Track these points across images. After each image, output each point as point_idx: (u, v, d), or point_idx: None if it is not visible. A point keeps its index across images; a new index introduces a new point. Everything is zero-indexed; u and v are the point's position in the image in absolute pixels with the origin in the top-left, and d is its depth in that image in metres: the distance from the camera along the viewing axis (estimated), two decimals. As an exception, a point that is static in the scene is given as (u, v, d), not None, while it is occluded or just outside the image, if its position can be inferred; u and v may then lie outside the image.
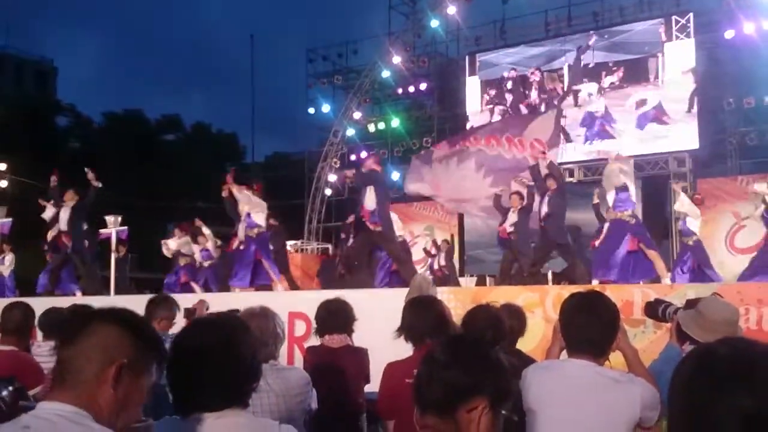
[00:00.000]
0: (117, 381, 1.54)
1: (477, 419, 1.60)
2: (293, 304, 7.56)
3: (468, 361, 1.66)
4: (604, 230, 9.72)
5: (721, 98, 18.04)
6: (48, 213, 12.33)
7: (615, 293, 5.80)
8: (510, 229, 10.43)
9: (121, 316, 1.64)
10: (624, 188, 9.32)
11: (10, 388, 2.81)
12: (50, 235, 12.34)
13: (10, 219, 15.63)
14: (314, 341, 4.27)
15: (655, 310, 3.52)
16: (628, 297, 6.69)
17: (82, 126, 43.29)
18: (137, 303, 4.29)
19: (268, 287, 10.59)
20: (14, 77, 51.02)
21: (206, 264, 12.93)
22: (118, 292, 12.46)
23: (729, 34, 17.43)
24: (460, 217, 19.91)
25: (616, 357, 2.82)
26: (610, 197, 9.39)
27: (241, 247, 10.80)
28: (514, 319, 4.11)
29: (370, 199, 9.33)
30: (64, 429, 1.48)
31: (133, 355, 1.58)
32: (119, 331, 1.59)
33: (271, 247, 11.31)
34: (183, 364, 1.89)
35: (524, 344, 4.25)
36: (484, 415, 1.60)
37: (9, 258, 14.24)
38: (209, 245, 12.87)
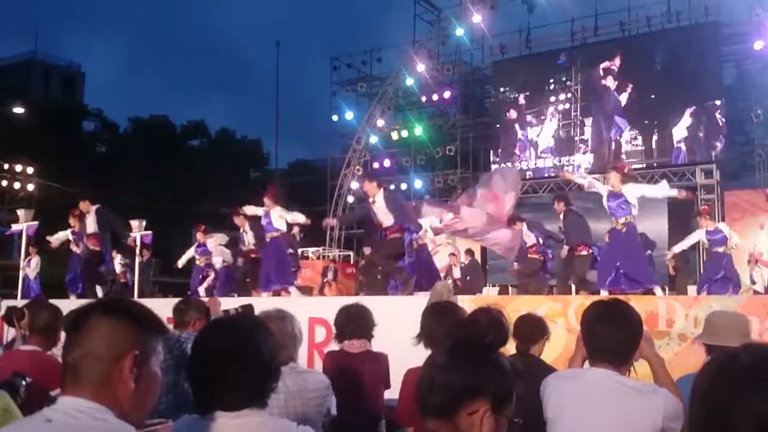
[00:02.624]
0: (133, 373, 1.53)
1: (479, 422, 1.58)
2: (314, 310, 7.55)
3: (468, 363, 1.64)
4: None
5: (750, 110, 17.84)
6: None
7: (639, 304, 5.72)
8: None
9: (115, 306, 1.61)
10: (616, 195, 8.90)
11: (24, 382, 2.86)
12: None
13: (36, 222, 15.79)
14: (334, 347, 4.27)
15: None
16: (653, 308, 6.60)
17: (108, 131, 43.87)
18: (161, 307, 4.31)
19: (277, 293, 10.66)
20: (42, 82, 51.80)
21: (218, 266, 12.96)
22: (141, 296, 12.54)
23: (758, 45, 17.24)
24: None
25: (643, 368, 2.77)
26: (606, 204, 8.97)
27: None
28: (525, 328, 4.04)
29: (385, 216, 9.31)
30: (85, 424, 1.48)
31: (141, 343, 1.56)
32: (119, 322, 1.56)
33: (290, 251, 11.37)
34: (203, 363, 1.89)
35: (546, 354, 4.21)
36: (486, 418, 1.59)
37: (35, 261, 14.41)
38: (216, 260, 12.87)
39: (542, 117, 20.58)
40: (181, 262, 13.59)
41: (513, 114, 21.08)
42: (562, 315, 6.84)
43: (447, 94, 22.11)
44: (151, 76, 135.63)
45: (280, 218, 10.49)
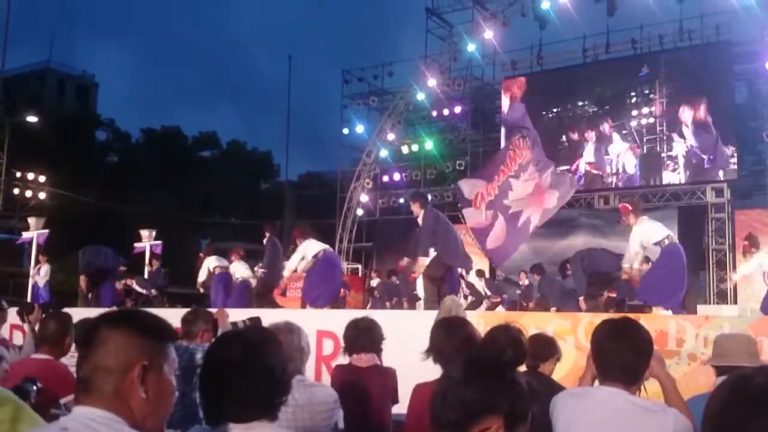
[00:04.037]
0: (144, 384, 1.54)
1: None
2: (322, 323, 7.54)
3: (483, 380, 1.65)
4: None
5: (761, 129, 17.80)
6: None
7: (649, 323, 5.68)
8: None
9: (122, 317, 1.63)
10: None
11: (35, 387, 2.88)
12: None
13: (47, 231, 15.89)
14: (342, 360, 4.26)
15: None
16: (663, 327, 6.56)
17: (120, 141, 44.16)
18: (170, 317, 4.31)
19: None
20: (56, 92, 52.20)
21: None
22: (150, 306, 12.57)
23: (770, 64, 17.22)
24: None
25: (654, 387, 2.76)
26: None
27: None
28: (536, 346, 4.05)
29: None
30: None
31: (149, 352, 1.57)
32: (125, 333, 1.57)
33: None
34: (214, 375, 1.90)
35: (556, 372, 4.19)
36: None
37: (45, 269, 14.47)
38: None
39: (624, 131, 19.27)
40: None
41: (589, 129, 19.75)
42: (572, 333, 6.80)
43: (458, 109, 22.17)
44: (164, 87, 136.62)
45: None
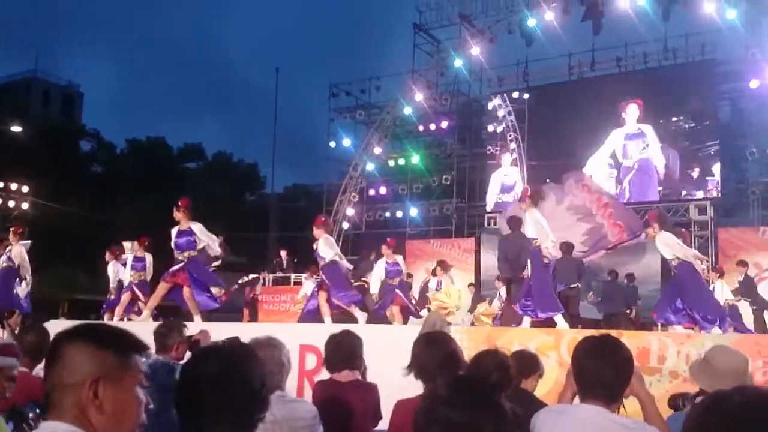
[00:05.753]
0: (98, 398, 1.52)
1: None
2: (305, 337, 7.51)
3: (468, 400, 1.64)
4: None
5: (745, 147, 17.96)
6: None
7: (631, 340, 5.71)
8: None
9: (80, 332, 1.61)
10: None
11: (37, 410, 2.85)
12: None
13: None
14: (325, 375, 4.23)
15: (676, 402, 3.50)
16: (645, 344, 6.58)
17: (105, 151, 43.92)
18: (150, 330, 4.28)
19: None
20: (42, 101, 51.98)
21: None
22: (129, 318, 12.44)
23: (754, 83, 17.41)
24: (477, 255, 19.79)
25: (633, 405, 2.76)
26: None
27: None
28: (518, 362, 4.04)
29: None
30: None
31: (107, 366, 1.55)
32: (81, 348, 1.56)
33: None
34: (191, 391, 1.87)
35: (538, 388, 4.19)
36: None
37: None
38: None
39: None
40: None
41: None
42: (554, 348, 6.81)
43: (444, 124, 22.26)
44: (149, 98, 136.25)
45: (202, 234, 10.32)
